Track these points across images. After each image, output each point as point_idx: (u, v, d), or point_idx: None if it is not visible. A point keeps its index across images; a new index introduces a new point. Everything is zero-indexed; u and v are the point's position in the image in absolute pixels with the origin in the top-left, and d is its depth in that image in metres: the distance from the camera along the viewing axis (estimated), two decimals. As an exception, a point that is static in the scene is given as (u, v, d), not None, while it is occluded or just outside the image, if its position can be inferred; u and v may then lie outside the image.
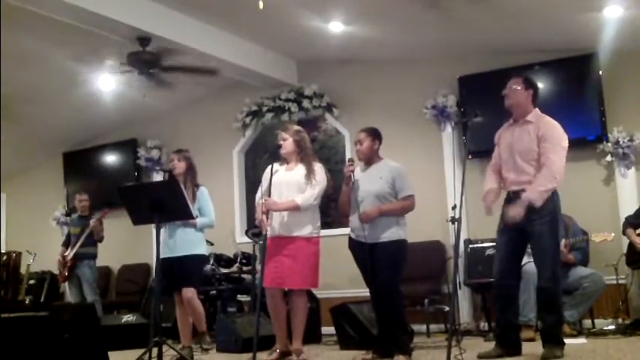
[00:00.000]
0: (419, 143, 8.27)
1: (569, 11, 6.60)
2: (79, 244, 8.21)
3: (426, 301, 7.36)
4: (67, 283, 8.67)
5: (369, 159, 5.41)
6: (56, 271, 8.87)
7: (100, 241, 8.36)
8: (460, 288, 7.28)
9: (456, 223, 4.80)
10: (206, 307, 6.11)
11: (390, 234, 5.19)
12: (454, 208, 4.85)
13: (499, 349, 4.90)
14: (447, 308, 7.27)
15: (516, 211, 4.71)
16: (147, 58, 7.19)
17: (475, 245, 7.45)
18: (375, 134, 5.42)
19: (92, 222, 8.21)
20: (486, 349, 4.98)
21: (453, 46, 7.78)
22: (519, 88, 4.92)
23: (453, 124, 8.06)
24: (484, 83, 7.57)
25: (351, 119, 8.62)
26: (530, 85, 4.97)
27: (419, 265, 7.15)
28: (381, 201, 5.23)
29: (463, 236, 7.27)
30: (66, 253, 8.30)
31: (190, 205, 5.43)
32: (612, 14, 6.47)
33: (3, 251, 7.56)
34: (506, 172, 4.95)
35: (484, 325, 7.33)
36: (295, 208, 5.36)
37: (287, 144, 5.56)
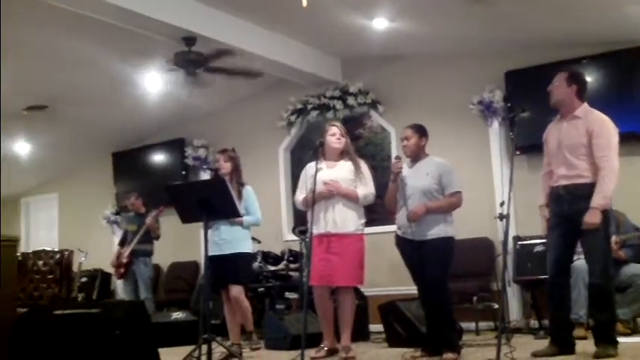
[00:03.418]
0: (465, 139, 8.19)
1: (618, 2, 6.47)
2: (135, 241, 8.33)
3: (475, 298, 7.29)
4: (120, 281, 8.79)
5: (416, 155, 5.38)
6: (107, 269, 9.01)
7: (157, 238, 8.46)
8: (509, 285, 7.20)
9: (505, 219, 4.75)
10: (254, 305, 6.14)
11: (438, 231, 5.16)
12: (502, 204, 4.80)
13: (553, 347, 4.84)
14: (496, 306, 7.19)
15: (592, 221, 4.62)
16: (193, 58, 7.25)
17: (524, 242, 7.35)
18: (421, 131, 5.40)
19: (148, 220, 8.31)
20: (537, 348, 4.93)
21: (499, 40, 7.69)
22: (561, 84, 4.85)
23: (499, 119, 7.97)
24: (531, 78, 7.45)
25: (397, 116, 8.58)
26: (574, 80, 4.86)
27: (467, 263, 7.11)
28: (427, 198, 5.20)
29: (512, 233, 7.19)
30: (122, 251, 8.41)
31: (237, 204, 5.48)
32: (663, 5, 6.33)
33: (56, 250, 7.70)
34: (556, 167, 4.88)
35: (534, 323, 7.23)
36: (355, 199, 5.43)
37: (344, 140, 5.60)
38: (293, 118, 9.46)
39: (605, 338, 4.65)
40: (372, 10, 7.16)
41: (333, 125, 5.70)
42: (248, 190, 6.10)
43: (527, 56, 7.74)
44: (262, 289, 8.19)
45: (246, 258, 6.10)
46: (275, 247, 8.72)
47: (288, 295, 8.37)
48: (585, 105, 4.86)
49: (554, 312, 4.92)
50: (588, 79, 7.15)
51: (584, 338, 5.61)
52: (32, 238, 12.41)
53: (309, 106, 9.30)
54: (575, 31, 7.15)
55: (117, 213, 10.78)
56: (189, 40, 7.17)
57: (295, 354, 5.12)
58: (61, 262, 7.43)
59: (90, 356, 4.09)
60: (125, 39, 7.21)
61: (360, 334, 6.82)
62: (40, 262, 7.45)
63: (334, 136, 5.60)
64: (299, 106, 9.40)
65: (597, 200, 4.60)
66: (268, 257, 8.51)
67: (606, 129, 4.72)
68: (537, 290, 7.06)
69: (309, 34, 8.09)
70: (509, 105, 7.84)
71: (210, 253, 5.50)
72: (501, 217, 4.83)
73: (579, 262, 5.24)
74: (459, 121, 8.22)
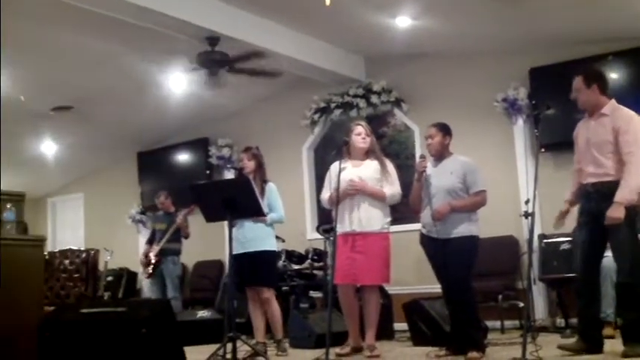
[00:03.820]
0: (490, 137, 8.15)
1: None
2: (164, 239, 8.37)
3: (500, 296, 7.26)
4: (147, 280, 8.83)
5: (440, 154, 5.36)
6: (133, 268, 9.06)
7: (187, 237, 8.48)
8: (535, 283, 7.14)
9: (530, 217, 4.72)
10: (279, 303, 6.14)
11: (462, 230, 5.14)
12: (527, 202, 4.77)
13: (581, 343, 4.80)
14: (521, 304, 7.15)
15: (615, 215, 4.58)
16: (216, 57, 7.29)
17: (549, 240, 7.30)
18: (445, 129, 5.38)
19: (179, 219, 8.35)
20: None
21: (524, 37, 7.64)
22: (580, 88, 4.81)
23: (524, 117, 7.92)
24: (556, 75, 7.39)
25: (421, 114, 8.55)
26: (591, 80, 4.81)
27: (492, 261, 7.08)
28: (452, 196, 5.18)
29: (537, 231, 7.13)
30: (151, 250, 8.47)
31: (261, 202, 5.49)
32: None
33: (82, 249, 7.76)
34: (585, 165, 4.83)
35: (560, 322, 7.18)
36: (382, 198, 5.44)
37: (369, 140, 5.61)
38: (316, 116, 9.46)
39: (634, 337, 4.59)
40: (395, 9, 7.14)
41: (359, 125, 5.70)
42: (271, 187, 6.10)
43: (552, 53, 7.68)
44: (286, 287, 8.20)
45: (270, 256, 6.09)
46: (299, 245, 8.72)
47: (313, 293, 8.37)
48: (612, 102, 4.81)
49: (583, 310, 4.88)
50: (614, 75, 7.16)
51: (611, 337, 5.56)
52: (59, 238, 12.54)
53: (333, 105, 9.29)
54: (601, 26, 7.08)
55: (142, 212, 10.85)
56: (213, 39, 7.20)
57: (320, 352, 5.13)
58: (87, 261, 7.49)
59: (116, 354, 4.12)
60: (149, 39, 7.26)
61: (385, 332, 6.81)
62: (67, 261, 7.51)
63: (360, 135, 5.60)
64: (322, 104, 9.40)
65: (621, 195, 4.55)
66: (292, 256, 8.52)
67: (633, 125, 4.67)
68: (563, 288, 7.02)
69: (332, 33, 8.08)
70: (533, 102, 7.78)
71: (235, 252, 5.51)
72: (526, 215, 4.80)
73: (606, 259, 5.19)
74: (483, 119, 8.18)
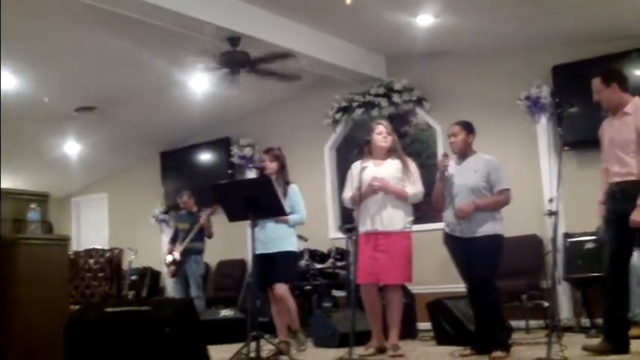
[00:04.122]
0: (512, 136, 8.10)
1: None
2: (188, 239, 8.41)
3: (524, 296, 7.21)
4: (170, 279, 8.87)
5: (464, 153, 5.34)
6: (157, 267, 9.10)
7: (210, 237, 8.52)
8: (559, 283, 7.10)
9: (554, 216, 4.69)
10: (301, 303, 6.15)
11: (486, 228, 5.11)
12: (551, 201, 4.77)
13: (606, 344, 4.76)
14: (546, 304, 7.11)
15: (639, 219, 4.53)
16: (237, 57, 7.30)
17: (574, 239, 7.24)
18: (469, 127, 5.35)
19: (202, 218, 8.38)
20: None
21: (546, 34, 7.58)
22: (600, 89, 4.77)
23: (547, 115, 7.86)
24: (579, 72, 7.31)
25: (443, 113, 8.52)
26: (610, 79, 4.77)
27: (516, 260, 7.02)
28: (476, 195, 5.15)
29: (561, 230, 7.08)
30: (174, 250, 8.51)
31: (283, 202, 5.50)
32: None
33: (106, 248, 7.82)
34: (611, 164, 4.79)
35: (585, 322, 7.11)
36: (404, 197, 5.44)
37: (390, 139, 5.60)
38: (338, 116, 9.46)
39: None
40: (417, 7, 7.12)
41: (380, 124, 5.69)
42: (293, 189, 6.11)
43: (575, 50, 7.61)
44: (309, 287, 8.21)
45: (291, 256, 6.10)
46: (321, 245, 8.73)
47: (335, 292, 8.37)
48: (636, 99, 4.76)
49: (609, 310, 4.83)
50: (639, 72, 7.08)
51: (638, 337, 5.50)
52: (83, 237, 12.63)
53: (354, 104, 9.28)
54: (624, 23, 7.01)
55: (165, 212, 10.90)
56: (234, 39, 7.22)
57: (343, 351, 5.13)
58: (112, 261, 7.55)
59: (140, 353, 4.14)
60: (171, 40, 7.29)
61: (408, 332, 6.79)
62: (91, 261, 7.57)
63: (381, 134, 5.60)
64: (344, 104, 9.40)
65: None
66: (315, 255, 8.53)
67: None
68: (588, 288, 6.96)
69: (353, 32, 8.07)
70: (556, 100, 7.72)
71: (257, 252, 5.52)
72: (550, 213, 4.79)
73: (635, 258, 5.14)
74: (505, 118, 8.13)
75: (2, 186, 4.93)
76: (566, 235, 7.32)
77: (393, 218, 5.45)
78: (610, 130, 4.82)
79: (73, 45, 7.43)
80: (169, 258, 8.49)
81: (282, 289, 5.96)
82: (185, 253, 8.37)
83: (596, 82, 4.80)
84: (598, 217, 4.95)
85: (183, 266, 8.39)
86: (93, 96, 8.94)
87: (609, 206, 4.79)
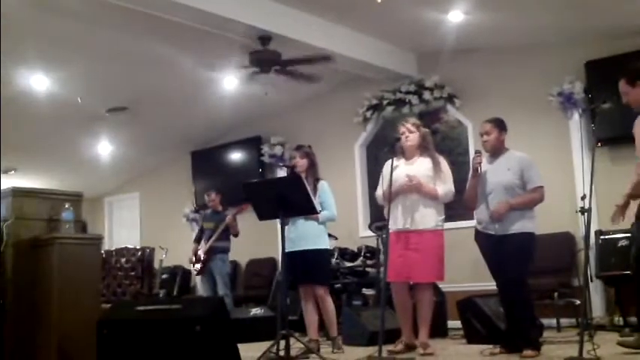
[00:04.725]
0: (545, 132, 8.02)
1: None
2: (213, 238, 8.46)
3: (556, 294, 7.15)
4: (199, 277, 8.95)
5: (496, 150, 5.30)
6: (188, 266, 9.16)
7: (236, 235, 8.56)
8: (592, 281, 7.02)
9: (586, 213, 4.63)
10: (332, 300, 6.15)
11: (519, 226, 5.08)
12: (584, 198, 4.68)
13: None
14: (577, 302, 7.04)
15: None
16: (268, 56, 7.32)
17: (607, 236, 7.17)
18: (501, 125, 5.32)
19: (228, 218, 8.43)
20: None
21: (579, 29, 7.50)
22: (627, 91, 4.72)
23: (580, 111, 7.78)
24: (613, 68, 7.20)
25: (474, 110, 8.47)
26: (635, 77, 4.71)
27: (548, 258, 6.95)
28: (509, 193, 5.12)
29: (594, 227, 7.01)
30: (199, 248, 8.57)
31: (313, 200, 5.50)
32: None
33: (138, 247, 7.88)
34: None
35: (618, 320, 7.03)
36: (435, 197, 5.40)
37: (413, 137, 5.57)
38: (368, 113, 9.44)
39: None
40: (448, 3, 7.09)
41: (402, 124, 5.68)
42: (323, 185, 6.10)
43: (608, 45, 7.52)
44: (339, 285, 8.21)
45: (322, 254, 6.10)
46: (351, 243, 8.73)
47: (365, 291, 8.36)
48: None
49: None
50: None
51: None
52: (115, 236, 12.77)
53: (385, 102, 9.26)
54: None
55: (196, 211, 10.97)
56: (265, 38, 7.24)
57: (373, 350, 5.12)
58: (143, 260, 7.59)
59: (171, 352, 4.17)
60: (202, 39, 7.34)
61: (438, 330, 6.77)
62: (123, 260, 7.62)
63: (403, 134, 5.58)
64: (374, 101, 9.38)
65: None
66: (345, 254, 8.53)
67: None
68: (621, 286, 6.87)
69: (384, 29, 8.06)
70: (589, 96, 7.63)
71: (287, 250, 5.53)
72: (583, 211, 4.70)
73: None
74: (537, 114, 8.06)
75: (37, 186, 5.00)
76: (599, 233, 7.24)
77: (425, 216, 5.43)
78: None
79: (105, 46, 7.51)
80: (194, 257, 8.57)
81: (321, 290, 5.98)
82: (210, 252, 8.43)
83: (622, 84, 4.75)
84: (620, 209, 4.85)
85: (209, 265, 8.45)
86: (124, 96, 9.04)
87: None
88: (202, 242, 8.58)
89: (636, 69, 4.87)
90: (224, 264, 8.51)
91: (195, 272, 8.81)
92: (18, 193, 4.72)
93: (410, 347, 5.53)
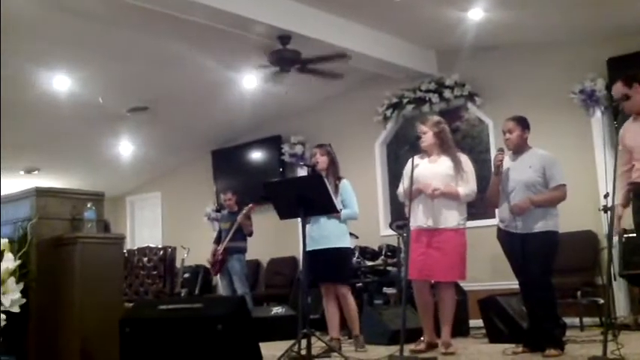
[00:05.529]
0: (566, 130, 7.97)
1: None
2: (228, 238, 8.50)
3: (579, 293, 7.10)
4: (219, 277, 9.00)
5: (519, 148, 5.27)
6: (209, 266, 9.20)
7: (250, 235, 8.60)
8: (615, 279, 6.95)
9: (609, 211, 4.60)
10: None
11: (542, 225, 5.05)
12: (606, 196, 4.64)
13: None
14: (601, 301, 6.98)
15: None
16: (288, 55, 7.33)
17: (630, 235, 7.08)
18: (524, 123, 5.29)
19: (239, 217, 8.47)
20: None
21: (601, 25, 7.43)
22: (629, 92, 4.69)
23: (602, 108, 7.71)
24: (635, 64, 7.15)
25: (494, 108, 8.43)
26: (632, 80, 4.69)
27: (570, 256, 6.92)
28: (531, 191, 5.09)
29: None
30: (218, 249, 8.61)
31: (334, 199, 5.50)
32: None
33: (160, 246, 7.91)
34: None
35: (643, 319, 6.97)
36: (455, 197, 5.37)
37: (427, 137, 5.53)
38: (389, 112, 9.43)
39: None
40: (468, 2, 7.06)
41: (419, 124, 5.65)
42: (345, 184, 6.10)
43: (631, 42, 7.46)
44: (360, 284, 8.21)
45: (344, 253, 6.10)
46: (372, 242, 8.71)
47: (386, 290, 8.35)
48: None
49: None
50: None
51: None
52: (137, 236, 12.84)
53: (405, 100, 9.24)
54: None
55: (217, 210, 11.00)
56: (284, 38, 7.25)
57: (394, 349, 5.11)
58: (165, 259, 7.61)
59: (193, 350, 4.19)
60: (222, 39, 7.36)
61: (460, 329, 6.75)
62: (145, 259, 7.64)
63: (422, 134, 5.56)
64: (394, 100, 9.36)
65: None
66: (366, 252, 8.52)
67: None
68: (645, 284, 6.82)
69: (404, 28, 8.04)
70: (612, 93, 7.55)
71: (308, 248, 5.53)
72: (605, 209, 4.67)
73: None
74: (559, 112, 8.00)
75: (60, 186, 5.03)
76: (622, 231, 7.16)
77: (447, 215, 5.40)
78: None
79: (125, 46, 7.56)
80: (211, 257, 8.62)
81: (344, 289, 5.98)
82: (226, 252, 8.47)
83: (618, 87, 4.73)
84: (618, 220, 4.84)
85: (226, 265, 8.49)
86: (145, 96, 9.09)
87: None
88: (221, 243, 8.64)
89: (634, 73, 4.84)
90: (240, 263, 8.54)
91: (213, 273, 8.86)
92: (41, 192, 4.75)
93: (431, 346, 5.51)
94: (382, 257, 8.40)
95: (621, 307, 7.40)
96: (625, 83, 4.72)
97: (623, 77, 4.81)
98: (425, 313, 5.56)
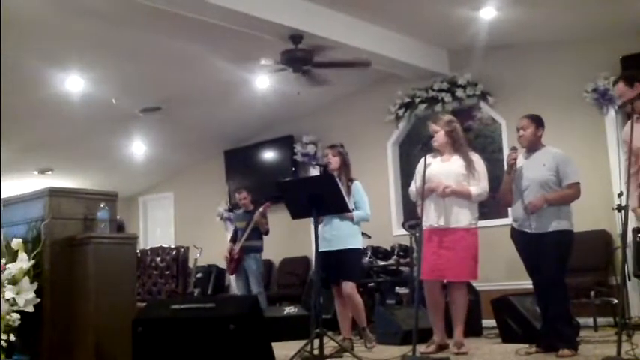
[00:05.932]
0: (579, 129, 7.93)
1: None
2: (244, 237, 8.52)
3: (592, 292, 7.06)
4: (233, 276, 9.02)
5: (532, 146, 5.25)
6: (222, 265, 9.23)
7: (266, 233, 8.61)
8: (629, 279, 6.91)
9: (623, 211, 4.57)
10: (364, 300, 6.15)
11: (556, 224, 5.04)
12: (620, 195, 4.61)
13: None
14: (615, 300, 6.94)
15: None
16: (300, 55, 7.33)
17: (644, 234, 7.05)
18: (538, 121, 5.27)
19: (255, 216, 8.48)
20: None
21: (614, 23, 7.38)
22: (629, 92, 4.65)
23: (616, 107, 7.67)
24: (650, 63, 7.14)
25: (507, 107, 8.40)
26: (633, 79, 4.66)
27: (584, 256, 6.88)
28: (545, 189, 5.07)
29: (631, 225, 6.87)
30: (234, 248, 8.62)
31: (346, 199, 5.50)
32: None
33: (172, 246, 7.94)
34: None
35: (657, 319, 6.93)
36: (467, 197, 5.35)
37: (438, 136, 5.52)
38: (401, 112, 9.41)
39: None
40: (479, 0, 7.03)
41: (430, 124, 5.64)
42: (357, 186, 6.11)
43: (644, 40, 7.41)
44: (372, 284, 8.20)
45: (355, 253, 6.11)
46: (384, 241, 8.71)
47: (399, 289, 8.34)
48: None
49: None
50: None
51: None
52: (150, 235, 12.88)
53: (417, 100, 9.22)
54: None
55: (230, 210, 11.02)
56: (296, 37, 7.25)
57: (407, 349, 5.10)
58: (177, 258, 7.65)
59: (205, 350, 4.20)
60: (234, 39, 7.36)
61: (473, 329, 6.72)
62: (158, 259, 7.68)
63: (434, 133, 5.55)
64: (407, 99, 9.34)
65: None
66: (378, 252, 8.52)
67: None
68: (660, 284, 6.77)
69: (415, 27, 8.02)
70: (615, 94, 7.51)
71: (321, 249, 5.54)
72: (619, 208, 4.64)
73: None
74: (572, 110, 7.96)
75: (73, 186, 5.05)
76: (636, 231, 7.11)
77: (459, 215, 5.39)
78: None
79: (138, 47, 7.58)
80: (228, 255, 8.63)
81: (348, 286, 5.97)
82: (242, 251, 8.48)
83: (620, 87, 4.70)
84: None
85: (242, 264, 8.50)
86: (158, 96, 9.11)
87: None
88: (236, 242, 8.65)
89: (634, 72, 4.82)
90: (256, 262, 8.55)
91: (228, 271, 8.88)
92: (54, 193, 4.78)
93: (442, 347, 5.49)
94: (395, 257, 8.40)
95: (635, 307, 7.36)
96: (626, 83, 4.68)
97: (623, 77, 4.77)
98: (435, 313, 5.55)
